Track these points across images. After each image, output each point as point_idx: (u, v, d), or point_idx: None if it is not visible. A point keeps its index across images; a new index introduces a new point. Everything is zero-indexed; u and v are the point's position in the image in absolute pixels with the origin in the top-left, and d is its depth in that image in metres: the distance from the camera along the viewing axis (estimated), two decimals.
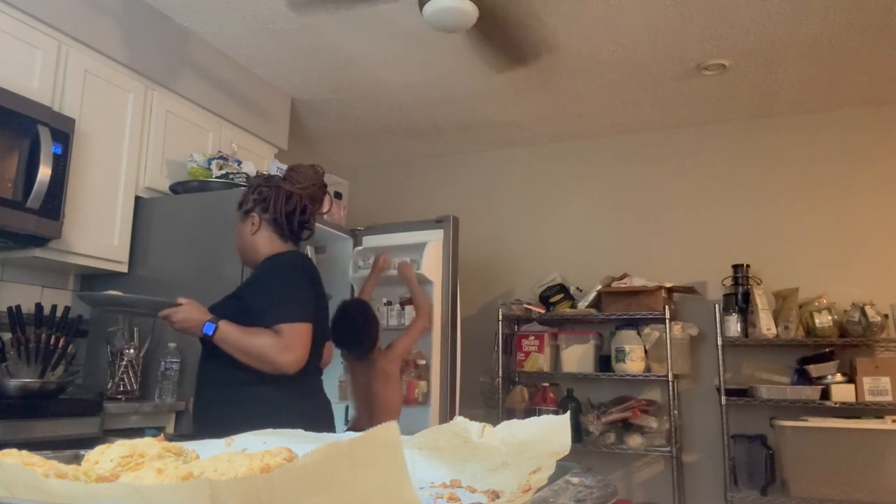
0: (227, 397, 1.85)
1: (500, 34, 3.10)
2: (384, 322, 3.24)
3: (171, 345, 2.56)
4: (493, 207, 4.54)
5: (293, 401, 1.85)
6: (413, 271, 3.17)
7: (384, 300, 3.39)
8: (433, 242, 3.41)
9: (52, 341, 2.45)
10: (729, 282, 3.64)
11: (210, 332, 1.79)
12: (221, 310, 1.89)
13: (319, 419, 1.92)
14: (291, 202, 1.99)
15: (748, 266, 3.63)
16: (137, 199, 2.81)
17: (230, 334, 1.79)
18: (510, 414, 3.71)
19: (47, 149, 2.27)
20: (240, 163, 2.98)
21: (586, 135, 4.35)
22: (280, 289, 1.87)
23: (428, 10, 2.50)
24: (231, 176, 2.84)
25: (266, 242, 1.98)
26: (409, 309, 3.42)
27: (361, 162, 4.96)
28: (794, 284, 3.53)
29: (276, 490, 0.39)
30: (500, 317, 3.91)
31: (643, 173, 4.20)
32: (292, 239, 2.02)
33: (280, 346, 1.77)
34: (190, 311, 1.82)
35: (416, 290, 3.07)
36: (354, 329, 2.84)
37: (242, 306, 1.87)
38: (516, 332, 3.99)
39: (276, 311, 1.82)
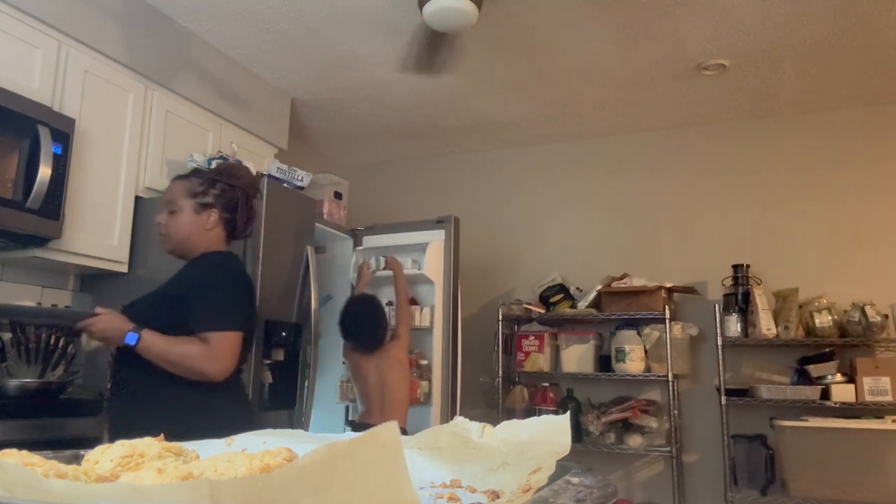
0: (144, 399, 1.79)
1: (500, 34, 3.10)
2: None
3: None
4: (493, 207, 4.54)
5: (213, 402, 1.80)
6: (399, 265, 3.32)
7: (385, 301, 3.39)
8: (435, 243, 3.42)
9: (52, 341, 2.45)
10: (729, 282, 3.64)
11: (133, 342, 1.72)
12: (146, 308, 1.83)
13: (240, 419, 1.82)
14: (250, 207, 1.98)
15: (748, 266, 3.63)
16: (137, 199, 2.81)
17: (154, 344, 1.73)
18: (510, 414, 3.71)
19: (47, 149, 2.27)
20: (240, 163, 2.97)
21: (586, 135, 4.35)
22: (216, 294, 1.80)
23: (428, 10, 2.50)
24: None
25: (214, 240, 1.93)
26: (412, 309, 3.42)
27: (361, 162, 4.96)
28: (794, 284, 3.53)
29: (276, 490, 0.39)
30: (500, 317, 3.91)
31: (643, 173, 4.20)
32: (232, 239, 1.99)
33: (208, 355, 1.72)
34: (110, 321, 1.75)
35: (400, 277, 3.25)
36: (368, 322, 2.94)
37: (172, 306, 1.80)
38: (516, 332, 3.99)
39: (209, 317, 1.76)
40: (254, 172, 2.09)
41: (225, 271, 1.86)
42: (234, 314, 1.79)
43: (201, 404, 1.78)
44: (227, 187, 1.93)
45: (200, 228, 1.91)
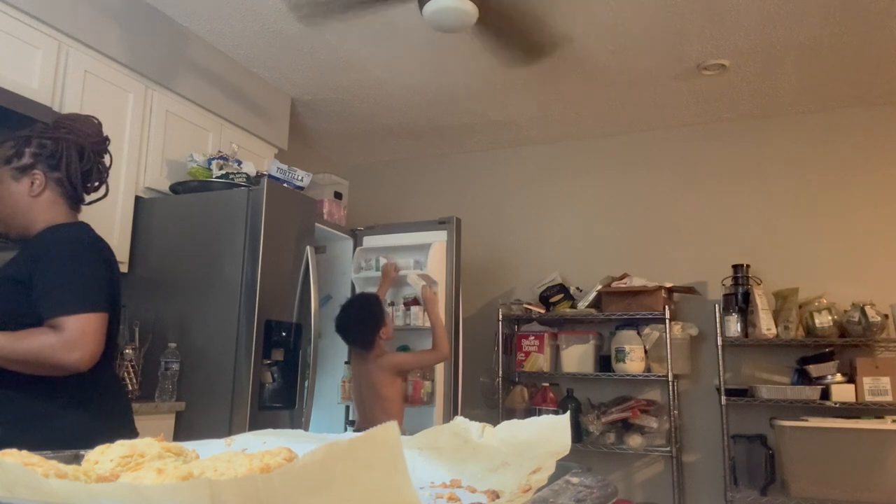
0: (21, 427, 1.51)
1: (499, 34, 3.10)
2: None
3: (172, 345, 2.56)
4: (492, 207, 4.54)
5: (87, 396, 1.58)
6: (435, 297, 3.06)
7: (388, 301, 3.39)
8: (438, 243, 3.42)
9: None
10: (729, 282, 3.64)
11: None
12: None
13: (119, 415, 1.69)
14: (86, 159, 1.68)
15: (748, 266, 3.63)
16: (137, 199, 2.81)
17: None
18: (510, 414, 3.71)
19: None
20: (240, 163, 2.98)
21: (586, 135, 4.35)
22: (66, 271, 1.53)
23: (428, 9, 2.50)
24: (231, 176, 2.84)
25: (49, 208, 1.63)
26: (414, 310, 3.41)
27: (361, 162, 4.96)
28: (794, 284, 3.53)
29: (276, 490, 0.38)
30: (500, 317, 3.91)
31: (643, 173, 4.20)
32: (76, 205, 1.71)
33: (63, 344, 1.45)
34: None
35: (438, 322, 3.00)
36: (351, 319, 2.88)
37: (12, 294, 1.54)
38: (516, 332, 3.99)
39: (60, 300, 1.49)
40: (96, 122, 1.75)
41: (74, 243, 1.59)
42: (92, 293, 1.54)
43: (72, 402, 1.56)
44: (45, 141, 1.63)
45: (26, 198, 1.61)
